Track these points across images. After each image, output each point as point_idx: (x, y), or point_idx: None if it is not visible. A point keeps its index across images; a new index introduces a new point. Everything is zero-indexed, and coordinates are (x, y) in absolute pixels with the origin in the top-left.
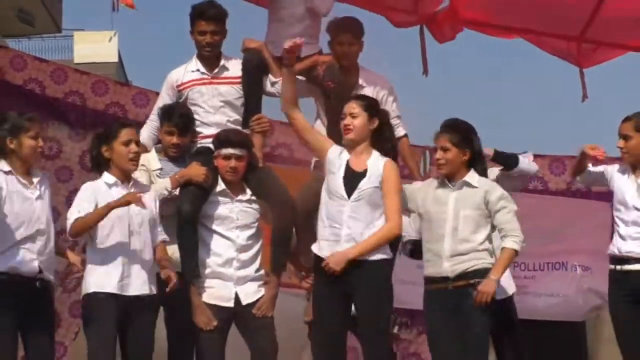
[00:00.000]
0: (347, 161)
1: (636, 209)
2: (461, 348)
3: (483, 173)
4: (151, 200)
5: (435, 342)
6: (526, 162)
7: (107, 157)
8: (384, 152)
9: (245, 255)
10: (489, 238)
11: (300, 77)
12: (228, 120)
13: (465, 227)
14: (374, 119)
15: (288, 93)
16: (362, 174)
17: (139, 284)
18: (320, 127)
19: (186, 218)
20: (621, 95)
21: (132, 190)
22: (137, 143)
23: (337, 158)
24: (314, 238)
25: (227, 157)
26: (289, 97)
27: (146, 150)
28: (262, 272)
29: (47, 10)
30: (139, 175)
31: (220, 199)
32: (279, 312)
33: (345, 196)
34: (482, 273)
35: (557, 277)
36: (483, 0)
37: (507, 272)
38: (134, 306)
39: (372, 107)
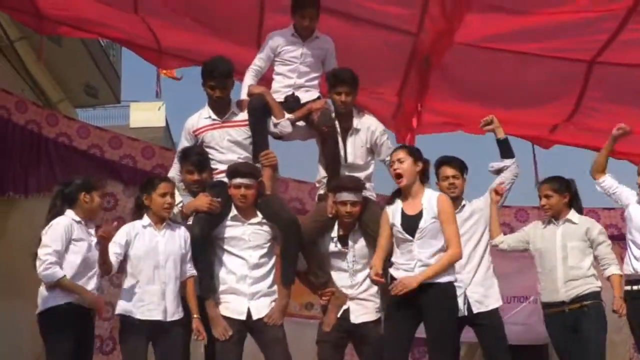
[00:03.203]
0: (402, 209)
1: None
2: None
3: (579, 212)
4: (180, 238)
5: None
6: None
7: (147, 204)
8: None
9: (257, 272)
10: (593, 265)
11: (299, 124)
12: (239, 158)
13: (573, 256)
14: (418, 162)
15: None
16: (419, 215)
17: (166, 310)
18: (319, 167)
19: (196, 240)
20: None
21: (164, 231)
22: (172, 195)
23: (392, 212)
24: (320, 261)
25: (238, 186)
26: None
27: None
28: (274, 288)
29: (109, 85)
30: None
31: (234, 223)
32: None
33: (410, 237)
34: (593, 296)
35: (520, 308)
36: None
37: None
38: (160, 329)
39: (414, 152)
